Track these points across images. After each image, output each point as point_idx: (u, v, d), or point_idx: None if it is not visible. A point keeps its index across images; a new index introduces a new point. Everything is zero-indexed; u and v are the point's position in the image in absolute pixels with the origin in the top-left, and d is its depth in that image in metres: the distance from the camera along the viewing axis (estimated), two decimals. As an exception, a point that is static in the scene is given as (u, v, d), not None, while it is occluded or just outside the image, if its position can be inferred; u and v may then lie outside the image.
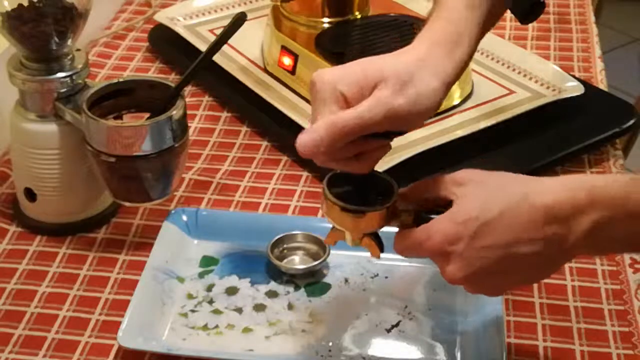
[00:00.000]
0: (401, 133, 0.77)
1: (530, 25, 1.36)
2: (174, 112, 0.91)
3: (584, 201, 0.70)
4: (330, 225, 0.79)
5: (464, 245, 0.71)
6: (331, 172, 0.78)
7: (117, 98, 0.96)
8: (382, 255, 0.86)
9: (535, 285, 0.91)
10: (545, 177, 0.74)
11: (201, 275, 0.93)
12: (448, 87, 0.77)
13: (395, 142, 1.04)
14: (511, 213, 0.71)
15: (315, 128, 0.73)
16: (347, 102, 0.73)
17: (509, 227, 0.70)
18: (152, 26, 1.35)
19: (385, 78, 0.73)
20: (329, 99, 0.73)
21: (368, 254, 0.89)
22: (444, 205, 0.74)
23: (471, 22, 0.79)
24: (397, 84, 0.73)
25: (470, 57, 0.79)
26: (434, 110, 0.77)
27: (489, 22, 0.82)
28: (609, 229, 0.70)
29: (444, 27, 0.78)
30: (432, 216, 0.74)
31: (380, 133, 0.75)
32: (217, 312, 0.88)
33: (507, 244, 0.71)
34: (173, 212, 0.97)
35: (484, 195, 0.72)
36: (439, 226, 0.73)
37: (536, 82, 1.17)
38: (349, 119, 0.72)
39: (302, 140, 0.73)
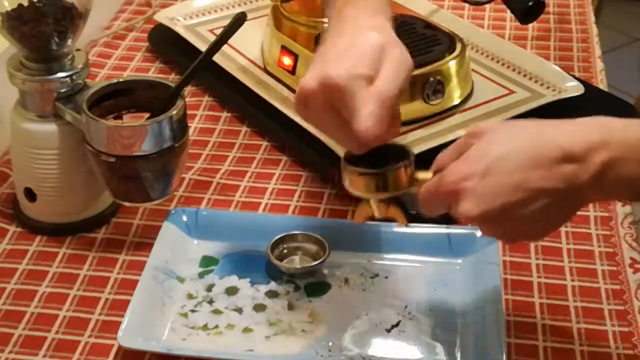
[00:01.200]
0: None
1: (530, 25, 1.36)
2: (174, 112, 0.91)
3: (597, 140, 0.70)
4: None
5: (477, 179, 0.71)
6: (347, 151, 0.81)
7: (117, 98, 0.96)
8: (382, 255, 0.87)
9: (535, 285, 0.91)
10: (560, 120, 0.74)
11: (201, 275, 0.93)
12: None
13: (395, 142, 1.05)
14: (524, 149, 0.71)
15: (368, 112, 0.76)
16: (372, 80, 0.77)
17: (523, 163, 0.71)
18: (152, 26, 1.35)
19: (382, 43, 0.79)
20: (357, 87, 0.76)
21: (368, 254, 0.90)
22: None
23: None
24: (394, 42, 0.79)
25: None
26: None
27: None
28: (620, 169, 0.70)
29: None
30: None
31: None
32: (217, 312, 0.88)
33: (521, 179, 0.70)
34: (173, 212, 0.97)
35: (498, 136, 0.73)
36: (452, 167, 0.74)
37: (536, 82, 1.17)
38: (391, 87, 0.77)
39: (364, 127, 0.76)
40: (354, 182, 0.79)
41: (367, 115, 0.76)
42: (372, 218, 0.83)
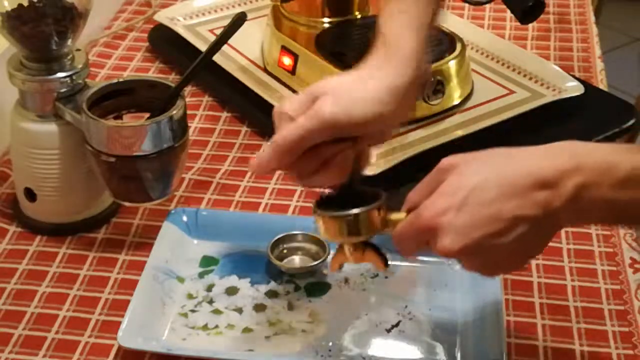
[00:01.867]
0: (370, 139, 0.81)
1: (530, 25, 1.36)
2: (174, 112, 0.91)
3: (568, 165, 0.70)
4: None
5: (453, 213, 0.71)
6: (320, 195, 0.80)
7: (117, 98, 0.96)
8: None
9: (535, 285, 0.91)
10: (531, 147, 0.74)
11: (201, 275, 0.93)
12: (397, 93, 0.80)
13: (395, 142, 1.05)
14: (497, 179, 0.71)
15: (262, 148, 0.77)
16: (293, 121, 0.78)
17: (498, 193, 0.70)
18: (152, 26, 1.35)
19: (324, 92, 0.78)
20: (279, 123, 0.79)
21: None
22: None
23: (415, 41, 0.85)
24: (332, 95, 0.78)
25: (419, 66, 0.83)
26: (390, 118, 0.80)
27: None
28: (593, 193, 0.70)
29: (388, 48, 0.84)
30: None
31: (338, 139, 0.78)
32: (217, 312, 0.88)
33: (497, 210, 0.70)
34: (173, 212, 0.97)
35: (470, 168, 0.73)
36: (427, 203, 0.73)
37: (536, 82, 1.17)
38: (289, 131, 0.77)
39: (251, 162, 0.80)
40: (325, 227, 0.78)
41: (259, 152, 0.79)
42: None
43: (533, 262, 0.94)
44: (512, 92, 1.16)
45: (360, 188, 0.80)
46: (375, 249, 0.79)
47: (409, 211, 0.75)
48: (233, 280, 0.92)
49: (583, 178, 0.70)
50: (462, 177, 0.72)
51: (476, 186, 0.71)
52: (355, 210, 0.76)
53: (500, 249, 0.72)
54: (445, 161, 0.75)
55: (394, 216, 0.76)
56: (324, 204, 0.79)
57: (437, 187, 0.73)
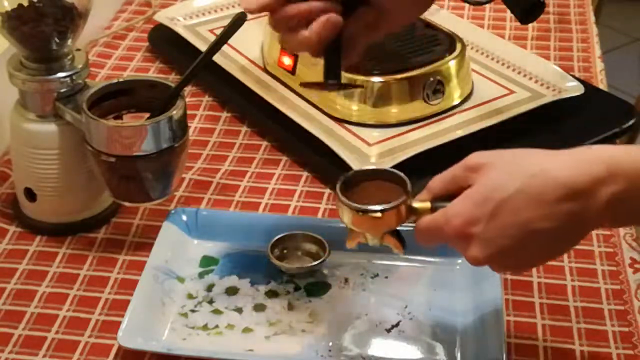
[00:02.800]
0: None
1: (530, 25, 1.36)
2: (174, 112, 0.91)
3: (603, 173, 0.70)
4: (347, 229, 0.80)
5: (483, 225, 0.71)
6: (342, 176, 0.80)
7: (117, 98, 0.96)
8: (382, 255, 0.86)
9: (535, 285, 0.91)
10: (560, 151, 0.74)
11: (201, 275, 0.93)
12: None
13: (395, 142, 1.05)
14: (529, 189, 0.71)
15: None
16: None
17: (528, 204, 0.70)
18: (152, 26, 1.35)
19: None
20: None
21: (368, 254, 0.89)
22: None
23: None
24: None
25: None
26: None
27: None
28: (630, 200, 0.70)
29: None
30: (448, 204, 0.74)
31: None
32: (217, 312, 0.88)
33: (527, 220, 0.70)
34: (173, 212, 0.97)
35: (500, 175, 0.72)
36: (457, 209, 0.73)
37: (536, 82, 1.17)
38: None
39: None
40: (349, 217, 0.78)
41: None
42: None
43: (533, 262, 0.94)
44: (512, 92, 1.16)
45: (385, 169, 0.80)
46: (395, 233, 0.79)
47: (432, 201, 0.75)
48: (233, 280, 0.92)
49: (617, 186, 0.70)
50: (492, 184, 0.72)
51: (506, 198, 0.71)
52: (382, 206, 0.76)
53: (529, 254, 0.73)
54: (474, 158, 0.75)
55: (418, 206, 0.76)
56: (346, 184, 0.79)
57: (463, 185, 0.73)
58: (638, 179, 0.70)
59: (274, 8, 0.83)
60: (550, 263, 0.94)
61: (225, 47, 1.24)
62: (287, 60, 1.16)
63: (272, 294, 0.90)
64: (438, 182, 0.76)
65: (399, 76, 1.08)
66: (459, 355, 0.83)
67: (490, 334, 0.83)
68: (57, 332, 0.86)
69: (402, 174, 0.79)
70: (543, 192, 0.70)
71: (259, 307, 0.89)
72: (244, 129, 1.16)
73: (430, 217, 0.75)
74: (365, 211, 0.77)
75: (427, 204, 0.76)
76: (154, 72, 1.28)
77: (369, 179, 0.80)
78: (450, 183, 0.75)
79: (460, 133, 1.07)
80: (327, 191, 1.05)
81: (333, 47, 0.84)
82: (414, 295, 0.90)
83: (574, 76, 1.17)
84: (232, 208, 1.02)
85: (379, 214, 0.76)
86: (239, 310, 0.88)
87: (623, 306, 0.89)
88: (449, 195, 0.75)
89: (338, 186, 0.79)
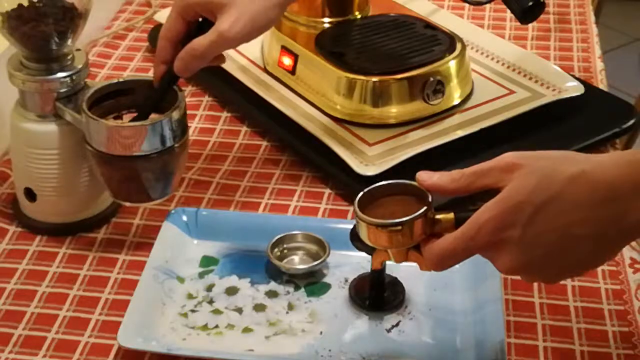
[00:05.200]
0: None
1: (530, 25, 1.36)
2: (174, 112, 0.91)
3: None
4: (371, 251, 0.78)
5: (519, 231, 0.68)
6: (360, 193, 0.77)
7: (117, 98, 0.96)
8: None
9: (536, 285, 0.91)
10: (598, 154, 0.71)
11: (201, 275, 0.93)
12: None
13: (395, 142, 1.05)
14: (568, 193, 0.67)
15: None
16: None
17: (567, 208, 0.67)
18: (152, 26, 1.35)
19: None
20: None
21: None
22: (491, 197, 0.70)
23: None
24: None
25: None
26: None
27: None
28: None
29: None
30: (472, 214, 0.71)
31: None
32: (217, 312, 0.88)
33: (566, 224, 0.67)
34: (173, 212, 0.97)
35: (536, 178, 0.68)
36: (489, 214, 0.69)
37: (536, 82, 1.17)
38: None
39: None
40: (370, 234, 0.74)
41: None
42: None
43: (533, 262, 0.94)
44: (512, 92, 1.16)
45: (403, 182, 0.76)
46: (419, 249, 0.75)
47: (455, 212, 0.72)
48: (233, 280, 0.92)
49: None
50: (529, 188, 0.68)
51: (545, 202, 0.67)
52: (402, 219, 0.73)
53: (567, 263, 0.70)
54: (508, 158, 0.71)
55: (441, 217, 0.73)
56: (362, 202, 0.76)
57: (493, 185, 0.70)
58: None
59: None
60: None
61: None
62: (287, 60, 1.16)
63: (272, 294, 0.90)
64: (459, 180, 0.72)
65: (399, 76, 1.08)
66: (459, 355, 0.83)
67: (490, 334, 0.83)
68: (57, 332, 0.86)
69: (417, 185, 0.75)
70: (583, 195, 0.67)
71: (259, 307, 0.89)
72: (244, 129, 1.16)
73: (457, 232, 0.71)
74: (385, 225, 0.73)
75: (450, 215, 0.73)
76: (154, 72, 1.28)
77: (388, 194, 0.77)
78: (478, 179, 0.71)
79: (460, 133, 1.07)
80: (327, 191, 1.05)
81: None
82: (414, 295, 0.90)
83: (574, 76, 1.17)
84: (232, 208, 1.02)
85: (399, 227, 0.73)
86: (239, 310, 0.88)
87: (623, 306, 0.89)
88: (472, 195, 0.72)
89: (356, 203, 0.76)
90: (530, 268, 0.70)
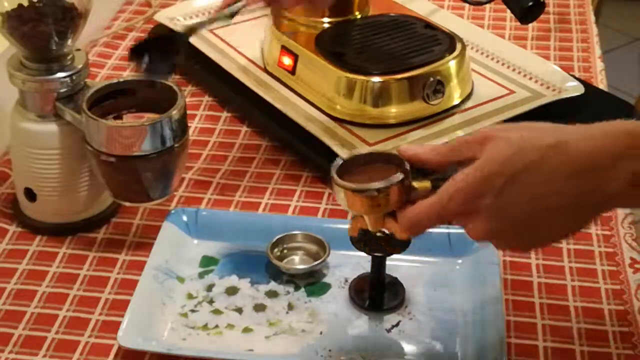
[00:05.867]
0: None
1: (530, 25, 1.35)
2: (174, 112, 0.91)
3: (624, 147, 0.66)
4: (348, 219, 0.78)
5: (490, 200, 0.67)
6: (337, 159, 0.78)
7: (117, 98, 0.96)
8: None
9: (535, 285, 0.91)
10: (578, 125, 0.69)
11: (201, 275, 0.93)
12: None
13: (395, 142, 1.05)
14: (543, 163, 0.67)
15: None
16: None
17: (541, 178, 0.66)
18: (152, 26, 1.35)
19: None
20: None
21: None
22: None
23: None
24: None
25: None
26: None
27: None
28: None
29: None
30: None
31: None
32: (217, 312, 0.88)
33: (540, 195, 0.67)
34: (173, 212, 0.97)
35: (511, 148, 0.68)
36: (463, 182, 0.69)
37: (536, 82, 1.17)
38: None
39: None
40: (347, 199, 0.75)
41: None
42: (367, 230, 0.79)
43: (533, 262, 0.94)
44: (512, 92, 1.16)
45: (377, 151, 0.77)
46: (396, 217, 0.75)
47: (433, 180, 0.72)
48: (233, 280, 0.92)
49: None
50: (502, 157, 0.68)
51: (519, 171, 0.67)
52: (379, 184, 0.73)
53: (537, 233, 0.69)
54: (483, 131, 0.70)
55: (418, 185, 0.74)
56: (341, 169, 0.76)
57: (468, 157, 0.69)
58: None
59: None
60: (550, 263, 0.94)
61: (225, 47, 1.25)
62: (287, 60, 1.16)
63: (272, 294, 0.90)
64: (438, 153, 0.72)
65: (399, 76, 1.08)
66: (459, 355, 0.83)
67: (490, 334, 0.83)
68: (57, 332, 0.86)
69: (396, 154, 0.76)
70: (558, 166, 0.66)
71: (259, 307, 0.89)
72: (244, 129, 1.16)
73: (431, 197, 0.71)
74: (362, 190, 0.74)
75: (427, 183, 0.73)
76: (154, 72, 1.27)
77: (366, 163, 0.77)
78: (457, 152, 0.71)
79: (460, 133, 1.07)
80: (327, 191, 1.05)
81: None
82: (414, 295, 0.90)
83: (574, 76, 1.17)
84: (232, 208, 1.02)
85: (375, 193, 0.73)
86: (239, 310, 0.88)
87: (623, 306, 0.89)
88: (456, 163, 0.71)
89: (333, 169, 0.76)
90: (502, 236, 0.70)
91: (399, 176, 0.74)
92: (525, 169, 0.67)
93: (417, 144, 0.76)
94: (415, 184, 0.74)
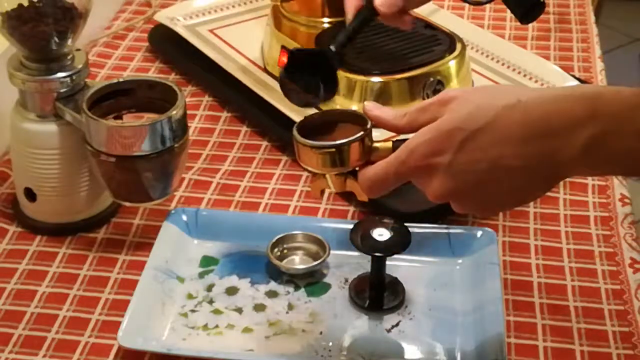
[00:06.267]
0: None
1: (530, 25, 1.36)
2: (174, 112, 0.91)
3: (583, 112, 0.65)
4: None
5: (449, 157, 0.67)
6: (301, 119, 0.78)
7: (117, 98, 0.96)
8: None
9: (535, 285, 0.91)
10: (543, 87, 0.70)
11: (201, 275, 0.93)
12: None
13: (395, 142, 1.05)
14: (501, 123, 0.66)
15: None
16: None
17: (499, 138, 0.66)
18: (152, 26, 1.35)
19: None
20: None
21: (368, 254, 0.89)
22: None
23: None
24: None
25: None
26: None
27: None
28: (611, 144, 0.64)
29: None
30: None
31: None
32: (217, 312, 0.88)
33: (497, 156, 0.66)
34: (173, 212, 0.97)
35: (471, 107, 0.68)
36: (421, 139, 0.69)
37: (536, 82, 1.17)
38: None
39: None
40: (306, 156, 0.74)
41: None
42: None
43: (533, 262, 0.94)
44: (512, 92, 1.15)
45: (341, 109, 0.76)
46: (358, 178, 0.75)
47: (394, 141, 0.72)
48: (233, 280, 0.92)
49: (597, 128, 0.64)
50: (461, 115, 0.68)
51: (478, 129, 0.67)
52: (339, 142, 0.73)
53: (497, 194, 0.69)
54: (446, 92, 0.70)
55: (380, 145, 0.73)
56: (304, 128, 0.76)
57: (432, 119, 0.69)
58: (623, 119, 0.64)
59: None
60: (550, 263, 0.94)
61: (225, 47, 1.25)
62: (287, 60, 1.16)
63: (272, 294, 0.90)
64: (399, 116, 0.72)
65: (399, 76, 1.08)
66: (459, 355, 0.83)
67: (490, 334, 0.83)
68: (57, 332, 0.86)
69: (360, 113, 0.75)
70: (515, 128, 0.66)
71: (259, 307, 0.89)
72: (244, 129, 1.16)
73: (392, 155, 0.70)
74: (319, 147, 0.73)
75: (389, 143, 0.73)
76: (154, 72, 1.28)
77: (334, 121, 0.77)
78: (420, 115, 0.70)
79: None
80: (328, 191, 1.04)
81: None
82: (414, 295, 0.90)
83: (574, 76, 1.18)
84: (232, 208, 1.02)
85: (333, 149, 0.73)
86: (239, 310, 0.88)
87: (623, 306, 0.89)
88: (419, 126, 0.71)
89: (295, 127, 0.76)
90: (460, 195, 0.69)
91: (359, 134, 0.73)
92: (484, 128, 0.67)
93: (382, 106, 0.75)
94: (377, 144, 0.74)
